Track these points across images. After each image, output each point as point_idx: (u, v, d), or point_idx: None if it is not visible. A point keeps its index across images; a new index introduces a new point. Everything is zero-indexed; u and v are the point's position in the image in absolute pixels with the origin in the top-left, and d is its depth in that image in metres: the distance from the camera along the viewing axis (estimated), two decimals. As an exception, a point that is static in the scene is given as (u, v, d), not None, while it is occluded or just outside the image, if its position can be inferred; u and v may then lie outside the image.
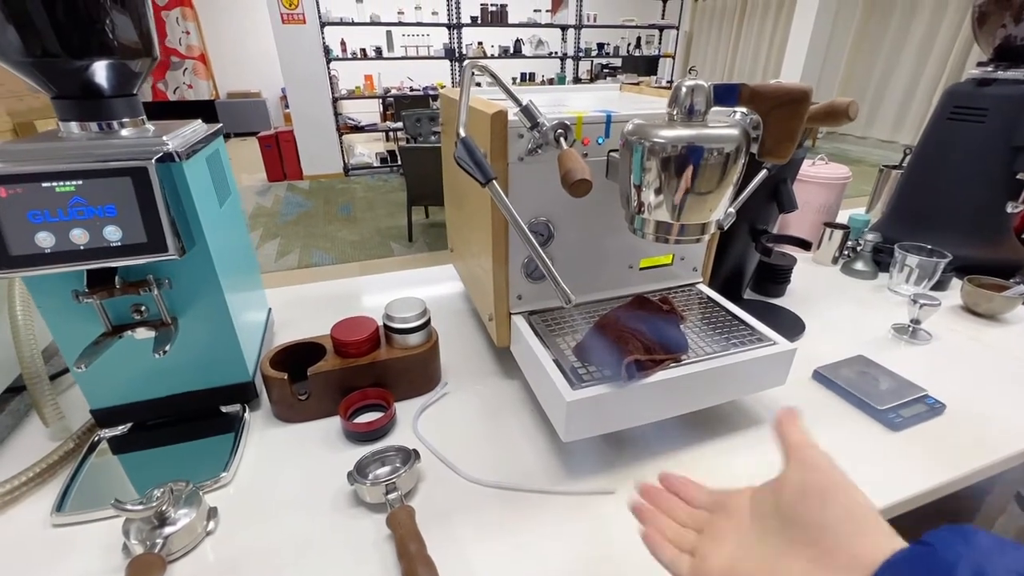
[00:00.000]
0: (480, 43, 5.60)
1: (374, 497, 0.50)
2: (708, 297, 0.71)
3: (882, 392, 0.65)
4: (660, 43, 6.37)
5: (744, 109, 0.54)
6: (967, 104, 0.96)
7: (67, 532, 0.49)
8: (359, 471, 0.52)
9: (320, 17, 4.60)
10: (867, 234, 1.02)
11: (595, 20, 5.71)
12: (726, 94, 0.48)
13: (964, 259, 0.93)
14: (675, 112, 0.49)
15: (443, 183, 0.89)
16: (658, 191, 0.49)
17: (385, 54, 5.23)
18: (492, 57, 5.63)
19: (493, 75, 0.49)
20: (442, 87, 5.83)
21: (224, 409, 0.63)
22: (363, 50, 5.14)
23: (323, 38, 4.69)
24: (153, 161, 0.46)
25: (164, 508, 0.45)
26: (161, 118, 0.59)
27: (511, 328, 0.65)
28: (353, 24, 4.75)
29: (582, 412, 0.51)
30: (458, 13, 5.01)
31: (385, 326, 0.65)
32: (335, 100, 4.99)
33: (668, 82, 6.55)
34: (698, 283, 0.74)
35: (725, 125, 0.47)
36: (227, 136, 7.05)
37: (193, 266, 0.54)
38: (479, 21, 5.28)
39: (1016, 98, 0.90)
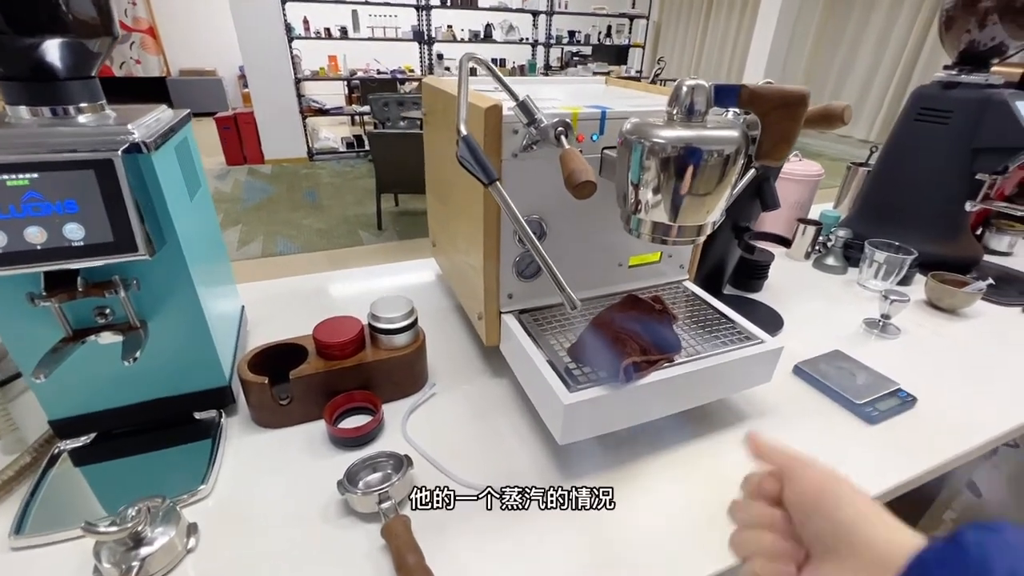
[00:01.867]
0: (450, 26, 5.48)
1: (366, 507, 0.49)
2: (694, 294, 0.71)
3: (858, 387, 0.67)
4: (630, 32, 6.39)
5: (737, 109, 0.54)
6: (933, 106, 0.99)
7: (29, 555, 0.45)
8: (349, 479, 0.50)
9: (281, -8, 4.38)
10: (838, 230, 1.06)
11: (566, 7, 5.67)
12: (726, 95, 0.48)
13: (928, 255, 0.98)
14: (675, 111, 0.48)
15: (424, 174, 0.86)
16: (656, 191, 0.49)
17: (351, 34, 5.04)
18: (462, 41, 5.52)
19: (490, 68, 0.47)
20: (410, 70, 5.68)
21: (198, 415, 0.60)
22: (327, 29, 4.93)
23: (284, 15, 4.47)
24: (120, 152, 0.42)
25: (140, 528, 0.42)
26: (107, 95, 0.52)
27: (501, 327, 0.64)
28: (316, 0, 4.55)
29: (579, 414, 0.50)
30: (427, -6, 4.87)
31: (370, 326, 0.63)
32: (298, 81, 4.78)
33: (637, 72, 6.58)
34: (684, 280, 0.74)
35: (725, 126, 0.47)
36: (180, 116, 6.66)
37: (163, 265, 0.50)
38: (448, 3, 5.15)
39: (977, 101, 0.94)
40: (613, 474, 0.55)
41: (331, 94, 5.99)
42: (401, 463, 0.52)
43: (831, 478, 0.29)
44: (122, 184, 0.42)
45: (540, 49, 5.83)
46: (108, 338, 0.50)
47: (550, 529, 0.49)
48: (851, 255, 1.05)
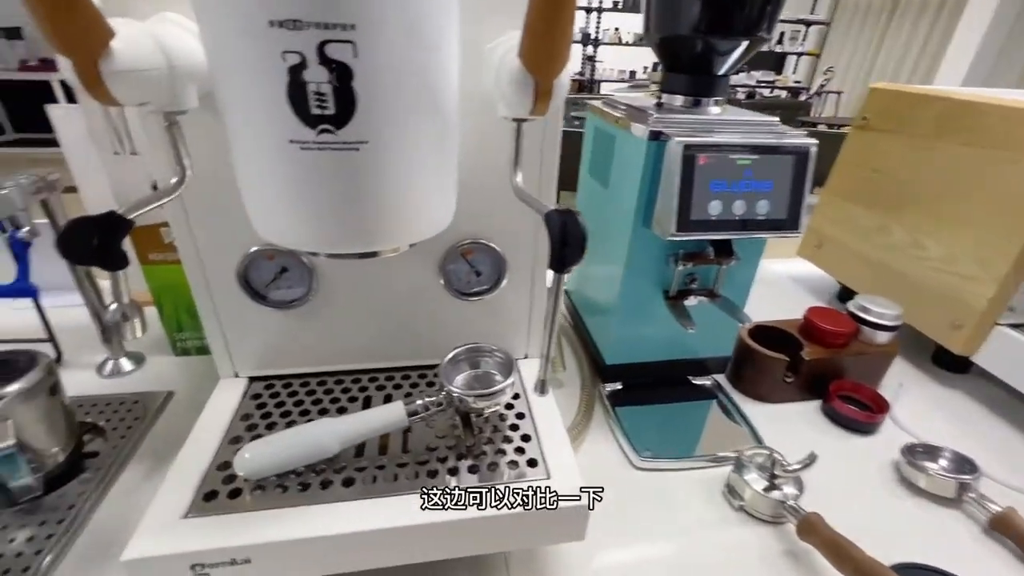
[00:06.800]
0: (616, 29, 5.48)
1: (940, 489, 0.51)
2: None
3: None
4: (804, 41, 5.96)
5: None
6: None
7: (654, 476, 0.53)
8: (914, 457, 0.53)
9: None
10: None
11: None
12: None
13: None
14: None
15: (837, 175, 0.87)
16: None
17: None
18: (626, 44, 5.47)
19: None
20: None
21: (695, 380, 0.66)
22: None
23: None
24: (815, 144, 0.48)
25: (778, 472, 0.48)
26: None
27: (990, 337, 0.64)
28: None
29: None
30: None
31: (859, 318, 0.65)
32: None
33: (796, 82, 6.06)
34: None
35: None
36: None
37: (755, 244, 0.56)
38: (620, 6, 5.16)
39: None
40: None
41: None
42: (966, 462, 0.53)
43: None
44: (808, 171, 0.48)
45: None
46: (692, 300, 0.57)
47: None
48: None
